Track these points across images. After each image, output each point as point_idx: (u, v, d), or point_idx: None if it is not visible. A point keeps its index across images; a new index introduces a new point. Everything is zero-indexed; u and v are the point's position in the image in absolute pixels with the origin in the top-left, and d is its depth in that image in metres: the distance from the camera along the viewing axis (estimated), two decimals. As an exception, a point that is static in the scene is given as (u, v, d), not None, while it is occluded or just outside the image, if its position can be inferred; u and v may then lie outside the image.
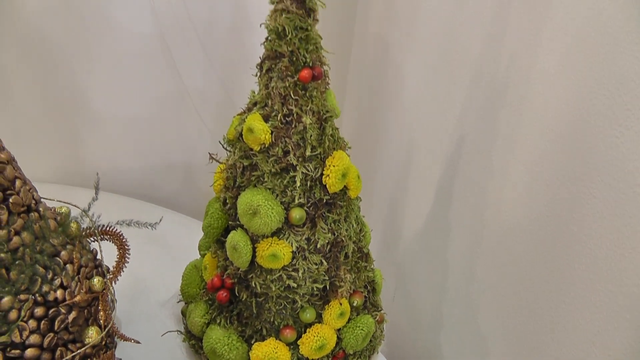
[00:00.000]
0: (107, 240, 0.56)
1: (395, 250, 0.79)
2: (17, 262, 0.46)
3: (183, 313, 0.61)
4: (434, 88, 0.67)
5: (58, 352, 0.46)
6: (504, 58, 0.57)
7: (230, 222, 0.53)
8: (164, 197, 0.93)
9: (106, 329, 0.50)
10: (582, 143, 0.50)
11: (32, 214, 0.47)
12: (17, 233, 0.46)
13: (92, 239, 0.56)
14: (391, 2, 0.73)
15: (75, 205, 0.53)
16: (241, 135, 0.49)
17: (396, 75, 0.74)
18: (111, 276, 0.54)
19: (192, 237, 0.69)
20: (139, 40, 0.84)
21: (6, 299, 0.45)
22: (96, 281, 0.52)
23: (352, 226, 0.53)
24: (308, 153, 0.47)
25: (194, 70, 0.87)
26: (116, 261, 0.55)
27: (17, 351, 0.44)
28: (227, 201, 0.52)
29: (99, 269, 0.55)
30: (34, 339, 0.45)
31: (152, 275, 0.68)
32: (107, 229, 0.56)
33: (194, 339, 0.59)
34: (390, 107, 0.76)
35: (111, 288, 0.54)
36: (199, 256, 0.61)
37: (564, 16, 0.51)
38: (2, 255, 0.45)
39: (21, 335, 0.44)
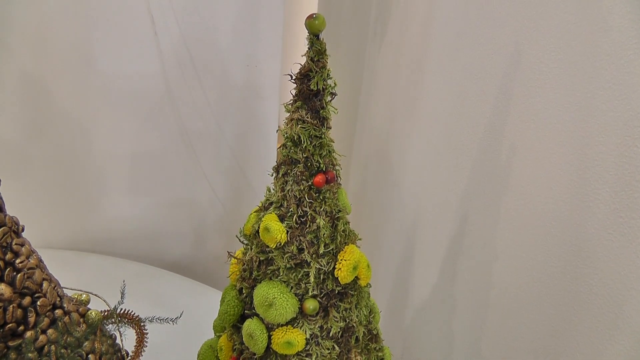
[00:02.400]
0: (125, 324, 0.58)
1: (401, 316, 0.81)
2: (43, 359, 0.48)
3: (198, 390, 0.63)
4: (437, 171, 0.70)
5: None
6: (505, 144, 0.60)
7: (246, 311, 0.55)
8: (173, 261, 0.95)
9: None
10: (581, 232, 0.53)
11: (57, 310, 0.49)
12: (43, 332, 0.48)
13: (110, 320, 0.58)
14: (394, 92, 0.76)
15: (96, 295, 0.55)
16: (258, 232, 0.51)
17: (400, 161, 0.77)
18: (130, 361, 0.56)
19: (202, 304, 0.71)
20: (152, 107, 0.87)
21: (33, 397, 0.47)
22: (116, 368, 0.54)
23: (363, 311, 0.55)
24: (321, 250, 0.49)
25: (204, 138, 0.90)
26: (135, 346, 0.56)
27: None
28: (244, 291, 0.54)
29: (119, 354, 0.57)
30: None
31: (166, 347, 0.69)
32: (126, 312, 0.58)
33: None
34: (395, 186, 0.79)
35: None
36: (213, 334, 0.63)
37: (565, 106, 0.54)
38: (30, 355, 0.47)
39: None
